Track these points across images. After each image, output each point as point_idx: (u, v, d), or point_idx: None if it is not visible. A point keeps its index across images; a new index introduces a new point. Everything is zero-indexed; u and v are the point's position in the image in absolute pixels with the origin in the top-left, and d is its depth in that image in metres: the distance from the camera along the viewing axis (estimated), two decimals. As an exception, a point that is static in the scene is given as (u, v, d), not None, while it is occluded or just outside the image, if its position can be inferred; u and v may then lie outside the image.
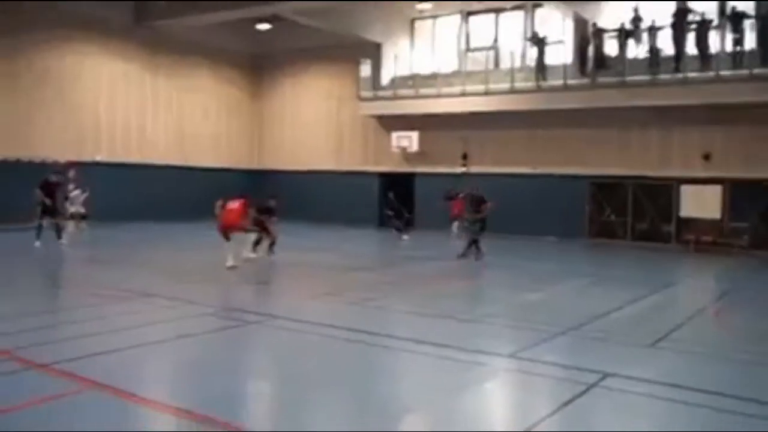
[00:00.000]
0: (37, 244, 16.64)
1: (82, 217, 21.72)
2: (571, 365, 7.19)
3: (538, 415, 5.75)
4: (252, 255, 15.60)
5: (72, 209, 21.27)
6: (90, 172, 23.25)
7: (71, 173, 21.81)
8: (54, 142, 23.88)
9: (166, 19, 25.78)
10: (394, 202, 23.19)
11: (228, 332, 8.73)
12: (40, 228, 16.96)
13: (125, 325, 8.88)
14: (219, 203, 14.93)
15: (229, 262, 14.15)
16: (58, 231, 17.45)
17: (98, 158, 25.12)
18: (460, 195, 23.04)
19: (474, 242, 17.00)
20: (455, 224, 22.63)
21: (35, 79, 23.75)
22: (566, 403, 5.95)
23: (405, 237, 22.49)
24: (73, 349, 7.35)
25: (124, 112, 26.65)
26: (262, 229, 16.03)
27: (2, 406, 5.46)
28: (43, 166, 21.72)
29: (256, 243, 16.05)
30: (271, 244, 16.22)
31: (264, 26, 28.26)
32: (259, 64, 31.72)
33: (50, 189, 17.25)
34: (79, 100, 25.05)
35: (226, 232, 14.58)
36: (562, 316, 10.02)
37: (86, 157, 24.51)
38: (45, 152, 23.03)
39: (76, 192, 21.57)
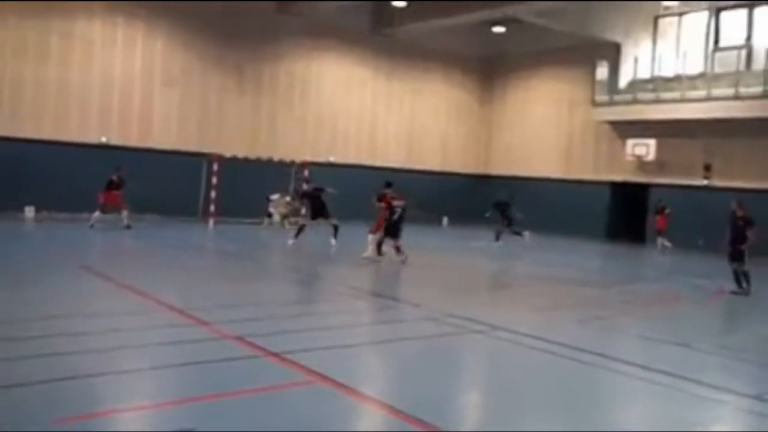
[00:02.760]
0: (291, 242, 17.20)
1: (284, 216, 22.90)
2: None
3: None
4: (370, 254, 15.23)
5: (271, 209, 22.69)
6: (323, 172, 24.63)
7: (305, 173, 23.32)
8: (293, 143, 25.81)
9: (402, 25, 26.59)
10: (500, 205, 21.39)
11: (449, 339, 8.71)
12: (300, 229, 17.51)
13: (351, 322, 9.24)
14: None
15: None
16: (335, 232, 17.43)
17: (331, 159, 26.61)
18: (666, 210, 22.58)
19: (742, 274, 13.75)
20: (659, 240, 22.66)
21: (279, 83, 25.85)
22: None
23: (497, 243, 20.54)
24: (303, 341, 7.76)
25: (359, 115, 28.05)
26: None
27: (238, 389, 5.86)
28: (282, 165, 23.55)
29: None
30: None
31: (499, 29, 28.14)
32: (489, 68, 31.72)
33: (314, 195, 17.52)
34: (317, 104, 26.84)
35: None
36: (820, 355, 8.80)
37: (320, 158, 26.07)
38: (284, 152, 24.92)
39: (276, 196, 22.84)
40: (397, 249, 15.13)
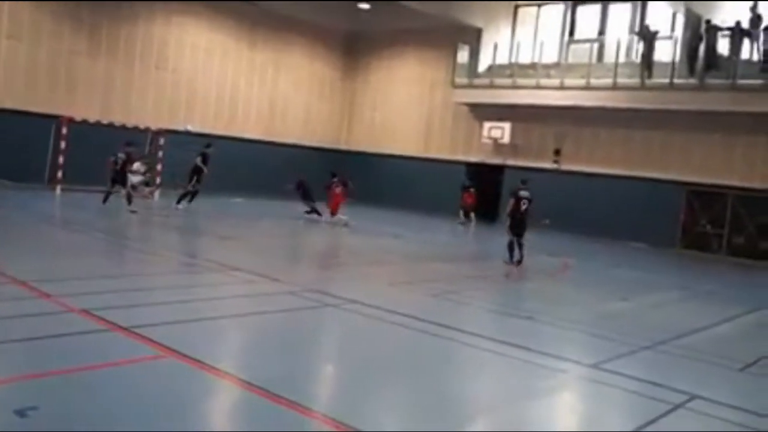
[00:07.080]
0: (180, 206, 18.86)
1: (146, 184, 22.05)
2: (656, 382, 6.79)
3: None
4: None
5: (134, 180, 21.69)
6: (179, 141, 23.64)
7: (160, 141, 22.47)
8: (149, 109, 24.68)
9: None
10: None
11: (306, 312, 8.72)
12: (194, 194, 19.24)
13: (207, 295, 9.03)
14: None
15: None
16: (193, 196, 19.33)
17: (189, 128, 25.57)
18: (471, 190, 24.97)
19: (510, 244, 14.46)
20: (461, 213, 24.92)
21: (136, 46, 24.60)
22: (648, 423, 5.62)
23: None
24: (154, 314, 7.49)
25: (220, 84, 27.21)
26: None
27: (84, 365, 5.59)
28: (137, 132, 22.47)
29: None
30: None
31: (365, 5, 28.12)
32: (354, 45, 31.71)
33: (206, 159, 19.18)
34: (177, 70, 25.76)
35: None
36: (649, 328, 9.56)
37: (178, 126, 25.09)
38: (139, 118, 23.78)
39: (137, 164, 21.83)
40: (128, 197, 17.09)
